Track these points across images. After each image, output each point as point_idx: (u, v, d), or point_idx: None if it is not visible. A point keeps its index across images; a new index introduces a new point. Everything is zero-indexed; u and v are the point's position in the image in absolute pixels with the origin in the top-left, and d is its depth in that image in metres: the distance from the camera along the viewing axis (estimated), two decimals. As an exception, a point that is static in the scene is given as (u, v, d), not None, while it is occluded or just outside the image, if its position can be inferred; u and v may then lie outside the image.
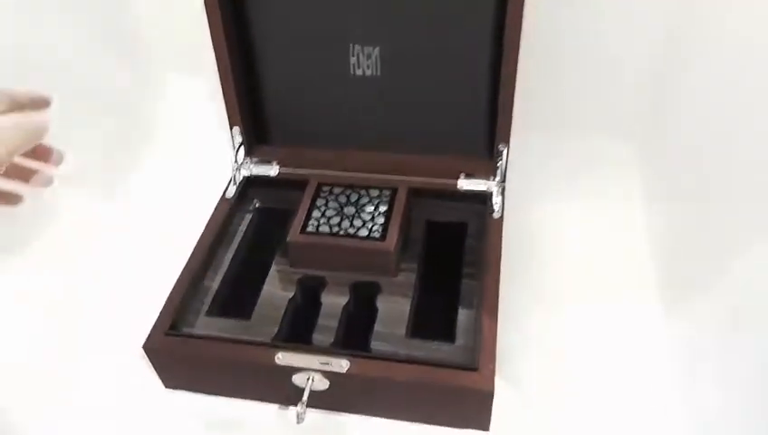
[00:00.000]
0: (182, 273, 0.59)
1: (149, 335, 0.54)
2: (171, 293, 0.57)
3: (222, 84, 0.64)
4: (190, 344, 0.54)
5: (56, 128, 0.41)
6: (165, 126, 0.86)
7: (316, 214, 0.62)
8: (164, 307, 0.56)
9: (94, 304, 0.65)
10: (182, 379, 0.56)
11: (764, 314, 0.44)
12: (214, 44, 0.62)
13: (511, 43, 0.56)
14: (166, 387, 0.57)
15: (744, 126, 0.50)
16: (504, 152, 0.63)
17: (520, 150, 0.65)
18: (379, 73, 0.63)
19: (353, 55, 0.62)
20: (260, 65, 0.65)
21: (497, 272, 0.56)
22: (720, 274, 0.52)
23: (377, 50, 0.61)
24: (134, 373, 0.58)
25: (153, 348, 0.54)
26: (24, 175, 0.45)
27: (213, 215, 0.65)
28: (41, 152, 0.46)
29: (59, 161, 0.48)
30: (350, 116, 0.67)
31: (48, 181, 0.48)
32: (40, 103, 0.42)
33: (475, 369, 0.49)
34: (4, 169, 0.40)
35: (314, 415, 0.54)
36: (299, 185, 0.66)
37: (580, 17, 0.69)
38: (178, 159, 0.82)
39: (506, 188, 0.64)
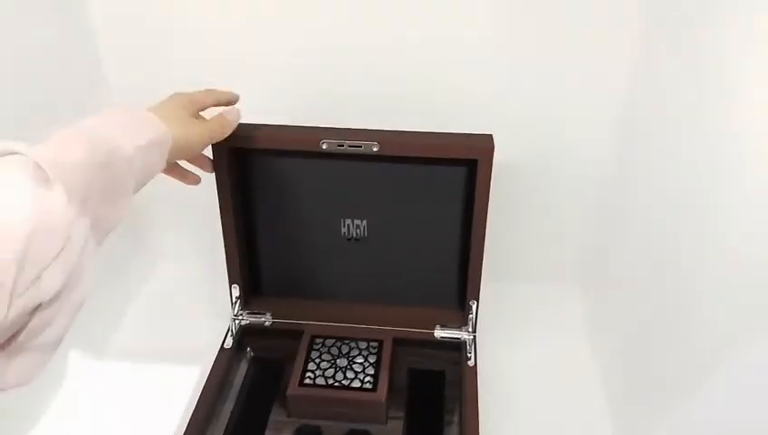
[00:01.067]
0: (188, 427, 0.64)
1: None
2: (179, 448, 0.62)
3: (226, 248, 0.72)
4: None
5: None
6: (156, 282, 0.93)
7: (312, 366, 0.69)
8: (174, 463, 0.61)
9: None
10: None
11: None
12: (222, 220, 0.70)
13: (478, 222, 0.67)
14: None
15: (673, 263, 0.61)
16: (474, 307, 0.72)
17: (483, 298, 0.75)
18: (366, 235, 0.73)
19: (344, 227, 0.72)
20: (259, 232, 0.74)
21: (476, 419, 0.64)
22: (667, 403, 0.61)
23: (365, 222, 0.71)
24: None
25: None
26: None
27: (213, 366, 0.71)
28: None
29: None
30: (338, 273, 0.76)
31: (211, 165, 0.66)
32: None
33: None
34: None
35: None
36: (291, 334, 0.73)
37: (526, 188, 0.83)
38: (170, 310, 0.88)
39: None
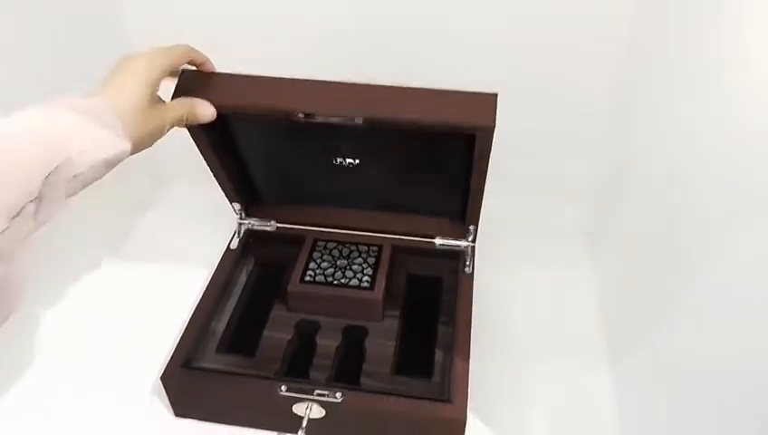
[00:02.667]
0: (193, 315, 0.67)
1: (167, 368, 0.62)
2: (184, 332, 0.65)
3: (215, 176, 0.71)
4: (203, 376, 0.62)
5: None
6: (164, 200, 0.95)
7: (313, 265, 0.71)
8: (179, 344, 0.64)
9: (108, 342, 0.72)
10: (192, 408, 0.64)
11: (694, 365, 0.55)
12: (204, 156, 0.67)
13: (477, 182, 0.63)
14: (176, 415, 0.64)
15: (678, 196, 0.61)
16: (473, 229, 0.73)
17: (483, 216, 0.75)
18: (360, 167, 0.68)
19: (336, 162, 0.68)
20: (249, 161, 0.72)
21: (469, 320, 0.66)
22: (652, 326, 0.63)
23: (358, 160, 0.68)
24: (146, 403, 0.65)
25: (169, 379, 0.61)
26: None
27: (219, 265, 0.73)
28: None
29: None
30: (337, 191, 0.74)
31: None
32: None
33: (449, 401, 0.58)
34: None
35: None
36: (294, 241, 0.75)
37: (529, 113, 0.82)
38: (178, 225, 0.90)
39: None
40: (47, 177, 0.40)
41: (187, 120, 0.54)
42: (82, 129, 0.44)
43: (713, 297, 0.51)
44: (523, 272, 0.82)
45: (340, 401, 0.58)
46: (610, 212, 0.81)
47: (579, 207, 0.91)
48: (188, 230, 0.87)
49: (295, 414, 0.60)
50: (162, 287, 0.79)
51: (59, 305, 0.75)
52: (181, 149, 0.75)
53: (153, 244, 0.86)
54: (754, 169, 0.46)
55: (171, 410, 0.64)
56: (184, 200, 0.93)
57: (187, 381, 0.61)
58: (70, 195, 0.44)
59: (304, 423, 0.59)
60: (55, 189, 0.42)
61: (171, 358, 0.62)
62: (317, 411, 0.59)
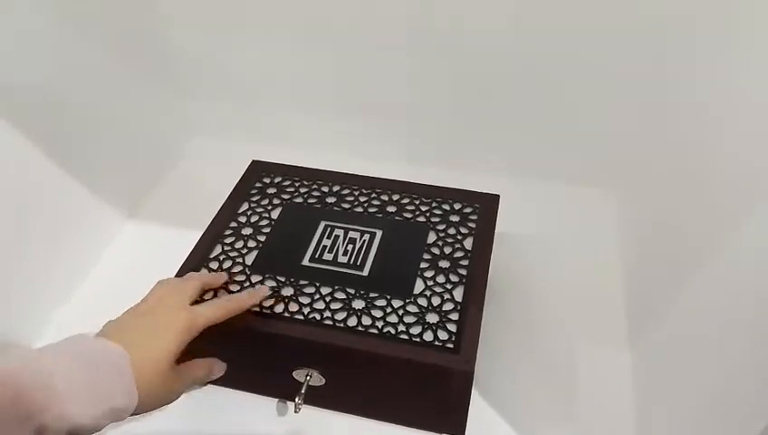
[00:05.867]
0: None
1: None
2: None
3: None
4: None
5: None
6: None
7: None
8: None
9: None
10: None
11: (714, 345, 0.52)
12: None
13: None
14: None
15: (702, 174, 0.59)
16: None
17: (513, 195, 0.72)
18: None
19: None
20: None
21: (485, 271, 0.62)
22: (673, 304, 0.60)
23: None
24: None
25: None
26: None
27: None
28: None
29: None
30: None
31: None
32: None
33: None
34: None
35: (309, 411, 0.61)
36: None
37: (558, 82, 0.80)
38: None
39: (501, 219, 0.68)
40: None
41: (206, 377, 0.55)
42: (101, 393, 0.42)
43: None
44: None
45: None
46: (644, 187, 0.78)
47: (609, 185, 0.86)
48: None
49: (295, 380, 0.59)
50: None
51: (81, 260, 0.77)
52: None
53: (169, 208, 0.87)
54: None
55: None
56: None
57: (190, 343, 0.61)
58: None
59: (303, 389, 0.58)
60: None
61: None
62: (317, 379, 0.58)
